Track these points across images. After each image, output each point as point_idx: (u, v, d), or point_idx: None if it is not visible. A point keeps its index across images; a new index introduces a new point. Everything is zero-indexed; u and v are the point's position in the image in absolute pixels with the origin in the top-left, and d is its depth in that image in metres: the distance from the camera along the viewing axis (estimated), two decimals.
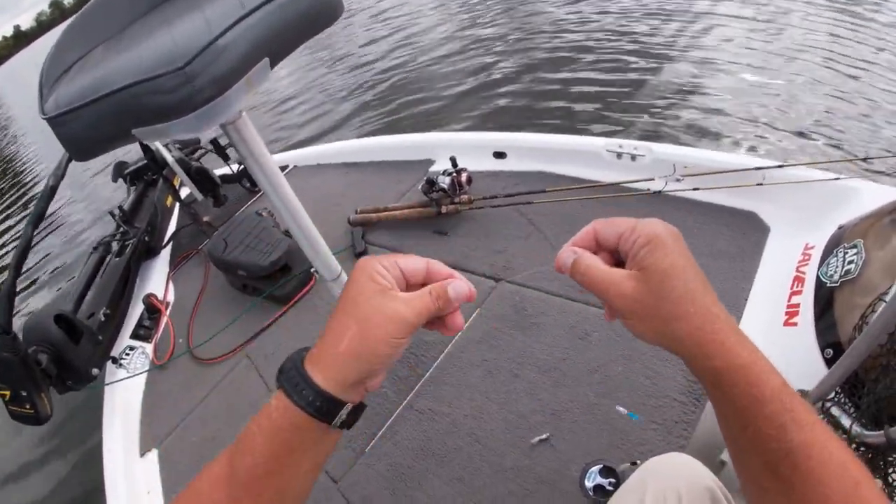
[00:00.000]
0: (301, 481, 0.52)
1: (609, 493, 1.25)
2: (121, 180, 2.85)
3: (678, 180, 1.81)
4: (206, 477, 0.51)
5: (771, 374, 0.45)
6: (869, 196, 1.49)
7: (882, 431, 0.80)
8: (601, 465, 1.32)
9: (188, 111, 0.77)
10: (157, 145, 2.38)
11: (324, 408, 0.48)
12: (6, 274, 1.61)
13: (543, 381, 1.55)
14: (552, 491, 1.32)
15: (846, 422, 0.89)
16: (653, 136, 3.71)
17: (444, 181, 2.05)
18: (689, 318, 0.47)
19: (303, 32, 0.92)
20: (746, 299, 1.54)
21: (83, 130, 0.83)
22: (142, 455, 1.84)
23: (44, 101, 0.86)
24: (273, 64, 0.86)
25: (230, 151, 2.39)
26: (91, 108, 0.79)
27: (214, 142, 2.27)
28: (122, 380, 2.07)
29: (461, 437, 1.50)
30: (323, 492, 1.51)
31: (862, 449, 0.90)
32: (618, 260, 0.54)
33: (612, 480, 1.29)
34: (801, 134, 3.41)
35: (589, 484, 1.30)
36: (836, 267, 1.28)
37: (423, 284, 0.54)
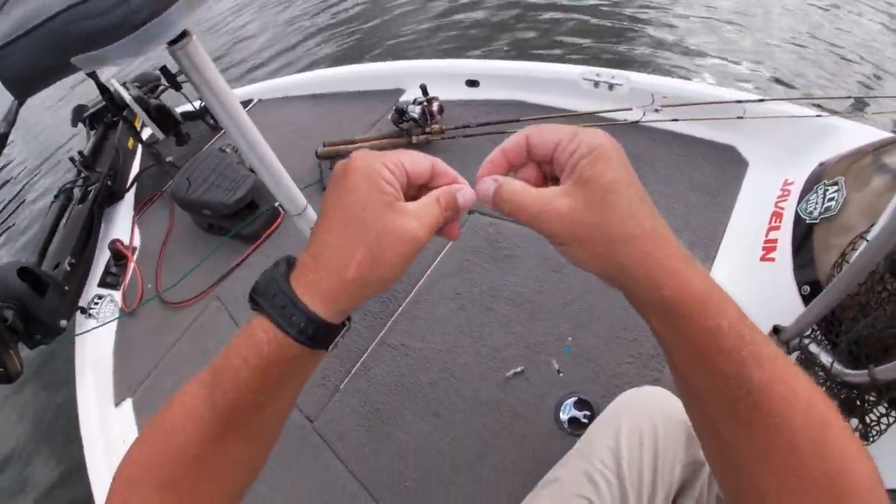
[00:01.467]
0: (286, 404, 0.48)
1: (584, 426, 1.26)
2: (81, 125, 2.73)
3: (657, 111, 1.77)
4: (179, 413, 0.45)
5: (728, 304, 0.40)
6: (850, 135, 1.47)
7: (865, 371, 0.79)
8: (576, 398, 1.32)
9: (125, 34, 0.70)
10: (115, 84, 2.26)
11: (324, 336, 0.43)
12: None
13: (518, 314, 1.54)
14: (527, 424, 1.33)
15: (825, 359, 0.89)
16: (631, 64, 3.62)
17: (415, 111, 1.99)
18: (634, 241, 0.40)
19: None
20: (724, 233, 1.53)
21: (20, 66, 0.78)
22: (116, 405, 1.83)
23: None
24: None
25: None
26: (25, 41, 0.74)
27: (164, 69, 2.14)
28: (91, 329, 2.03)
29: (435, 372, 1.50)
30: (298, 431, 1.50)
31: (837, 389, 0.90)
32: (551, 176, 0.47)
33: (587, 413, 1.29)
34: (783, 70, 3.36)
35: (564, 416, 1.31)
36: (816, 203, 1.27)
37: (423, 188, 0.48)
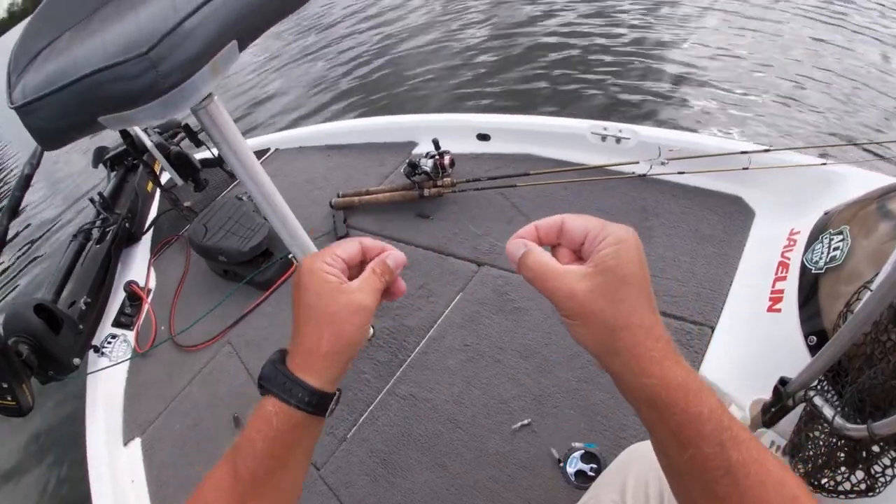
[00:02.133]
0: (298, 470, 0.55)
1: (590, 479, 1.26)
2: (101, 166, 2.80)
3: (663, 164, 1.79)
4: (208, 486, 0.53)
5: (707, 392, 0.45)
6: (855, 182, 1.48)
7: (865, 426, 0.79)
8: (582, 451, 1.32)
9: (153, 98, 0.74)
10: (136, 130, 2.33)
11: (319, 403, 0.52)
12: None
13: (525, 366, 1.54)
14: (534, 476, 1.33)
15: (828, 412, 0.89)
16: (638, 118, 3.69)
17: (427, 164, 2.03)
18: (633, 330, 0.45)
19: (274, 13, 0.89)
20: (731, 284, 1.54)
21: (50, 119, 0.81)
22: (125, 444, 1.84)
23: (12, 89, 0.83)
24: (242, 47, 0.82)
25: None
26: (56, 97, 0.77)
27: (186, 127, 2.22)
28: (104, 368, 2.05)
29: (442, 423, 1.50)
30: (305, 478, 1.50)
31: (842, 442, 0.90)
32: (575, 259, 0.52)
33: (594, 466, 1.29)
34: (787, 118, 3.39)
35: (570, 469, 1.30)
36: (822, 253, 1.27)
37: (362, 263, 0.58)
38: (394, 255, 0.58)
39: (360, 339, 0.53)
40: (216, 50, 0.77)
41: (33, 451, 2.96)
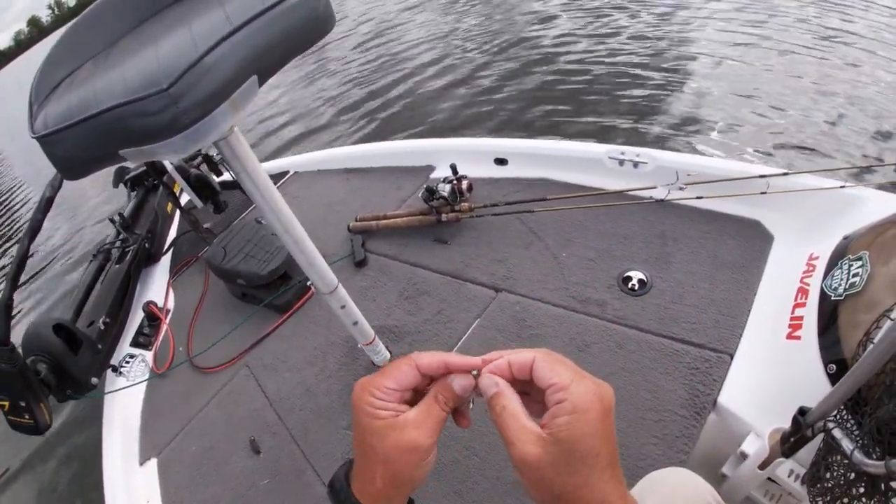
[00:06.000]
0: None
1: None
2: (122, 186, 2.84)
3: (681, 188, 1.78)
4: None
5: None
6: (875, 205, 1.47)
7: (882, 463, 0.78)
8: None
9: (174, 133, 0.74)
10: None
11: None
12: (3, 286, 1.60)
13: None
14: None
15: (847, 445, 0.87)
16: (655, 142, 3.69)
17: (445, 189, 2.03)
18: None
19: (293, 47, 0.89)
20: (749, 310, 1.52)
21: (71, 150, 0.81)
22: (141, 464, 1.83)
23: (33, 118, 0.84)
24: (262, 81, 0.83)
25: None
26: (78, 129, 0.77)
27: (206, 157, 2.25)
28: (121, 388, 2.06)
29: (458, 450, 1.48)
30: (321, 503, 1.49)
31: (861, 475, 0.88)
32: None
33: None
34: (805, 141, 3.37)
35: None
36: (841, 280, 1.25)
37: (432, 378, 0.54)
38: (459, 379, 0.53)
39: (419, 476, 0.51)
40: (236, 86, 0.78)
41: (50, 470, 2.98)
